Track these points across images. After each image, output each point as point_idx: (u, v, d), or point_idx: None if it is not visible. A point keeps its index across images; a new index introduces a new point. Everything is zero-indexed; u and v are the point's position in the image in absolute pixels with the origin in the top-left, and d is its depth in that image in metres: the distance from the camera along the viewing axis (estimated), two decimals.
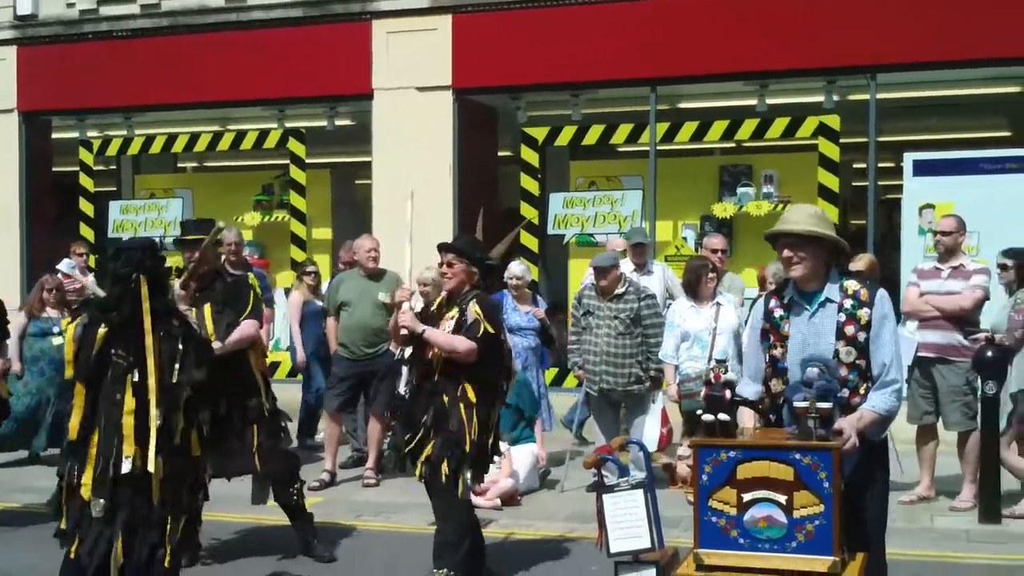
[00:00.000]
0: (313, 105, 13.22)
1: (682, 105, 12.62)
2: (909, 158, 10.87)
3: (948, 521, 7.88)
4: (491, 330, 6.17)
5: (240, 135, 13.75)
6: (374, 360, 9.26)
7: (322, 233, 13.62)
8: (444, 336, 6.15)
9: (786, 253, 4.80)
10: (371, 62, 12.35)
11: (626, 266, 9.44)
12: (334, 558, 7.15)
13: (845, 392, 4.71)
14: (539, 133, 12.33)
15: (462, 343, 6.10)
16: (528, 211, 12.25)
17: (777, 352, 4.84)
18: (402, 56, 12.19)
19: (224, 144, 13.80)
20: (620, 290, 8.70)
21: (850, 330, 4.73)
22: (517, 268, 9.78)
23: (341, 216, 13.75)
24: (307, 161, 13.31)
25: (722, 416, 4.52)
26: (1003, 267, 7.88)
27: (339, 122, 13.38)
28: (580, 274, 10.58)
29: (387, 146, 12.34)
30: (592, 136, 12.11)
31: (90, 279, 10.95)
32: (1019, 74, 11.41)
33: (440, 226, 11.97)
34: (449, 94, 12.13)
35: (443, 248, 6.48)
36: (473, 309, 6.19)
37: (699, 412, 4.62)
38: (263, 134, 13.53)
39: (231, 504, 7.79)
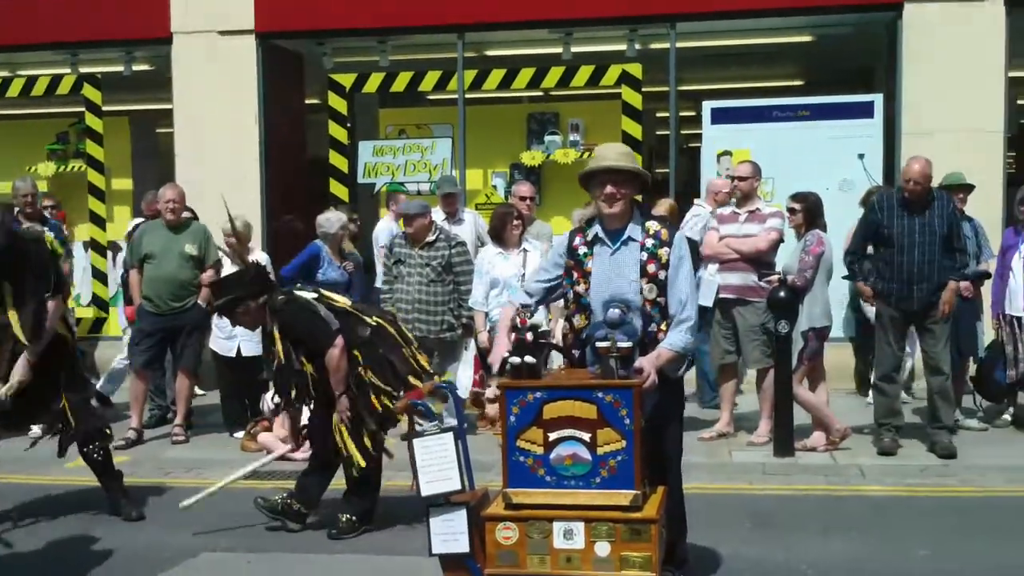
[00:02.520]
0: (108, 49, 12.63)
1: (489, 52, 12.65)
2: (707, 106, 11.21)
3: (745, 455, 8.24)
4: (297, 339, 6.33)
5: (31, 80, 13.00)
6: (181, 314, 9.00)
7: (122, 183, 13.09)
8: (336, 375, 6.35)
9: (610, 189, 4.92)
10: (169, 4, 11.90)
11: (438, 215, 9.45)
12: (142, 516, 6.97)
13: (653, 328, 4.87)
14: (346, 80, 12.15)
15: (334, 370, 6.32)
16: (337, 160, 12.10)
17: (580, 288, 4.97)
18: None
19: (13, 90, 13.03)
20: (431, 238, 8.71)
21: (652, 268, 4.89)
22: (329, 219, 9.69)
23: (141, 166, 13.24)
24: (104, 108, 12.74)
25: (528, 358, 4.60)
26: (792, 211, 8.21)
27: (136, 67, 12.84)
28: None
29: (188, 93, 11.95)
30: (400, 83, 12.01)
31: None
32: (811, 23, 11.88)
33: (246, 176, 11.74)
34: (252, 38, 11.82)
35: (222, 313, 6.65)
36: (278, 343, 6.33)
37: (505, 354, 4.70)
38: (55, 79, 12.84)
39: (29, 465, 7.50)
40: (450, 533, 4.71)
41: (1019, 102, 12.51)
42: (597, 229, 5.03)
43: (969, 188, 9.09)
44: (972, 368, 9.34)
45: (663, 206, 9.19)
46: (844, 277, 8.68)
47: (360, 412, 6.36)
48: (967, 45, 10.61)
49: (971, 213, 8.98)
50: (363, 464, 6.38)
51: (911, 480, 7.62)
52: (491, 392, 8.57)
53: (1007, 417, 9.05)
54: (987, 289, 9.04)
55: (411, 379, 6.42)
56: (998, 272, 8.80)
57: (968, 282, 8.41)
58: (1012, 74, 10.93)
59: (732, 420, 8.79)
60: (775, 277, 8.17)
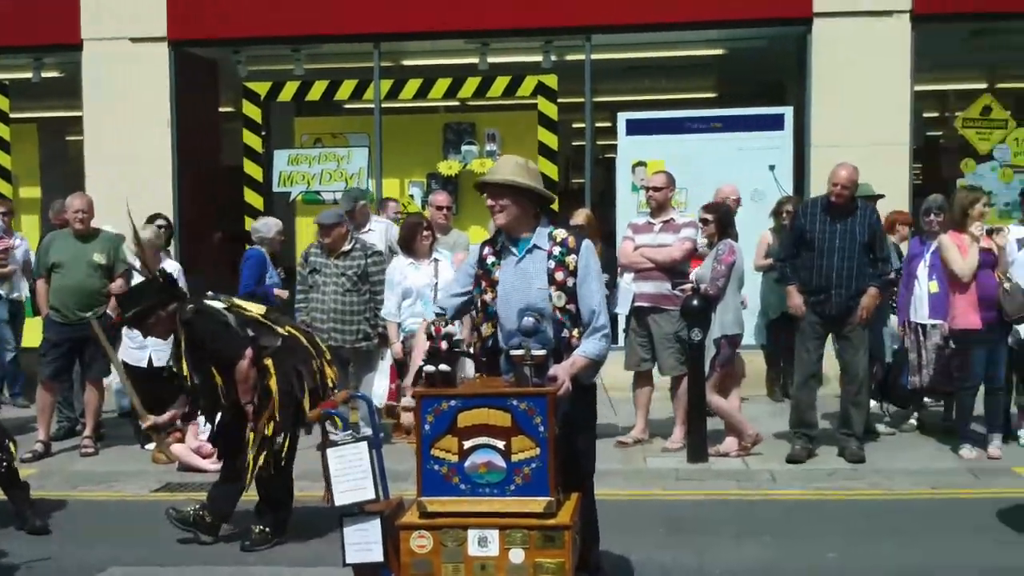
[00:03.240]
0: (17, 55, 12.37)
1: (406, 62, 12.65)
2: (622, 118, 11.33)
3: (660, 461, 8.33)
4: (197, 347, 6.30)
5: None
6: (89, 324, 8.83)
7: (30, 192, 12.83)
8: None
9: (489, 202, 5.00)
10: (79, 11, 11.69)
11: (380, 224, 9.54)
12: (48, 530, 6.82)
13: (564, 334, 4.90)
14: (261, 88, 12.07)
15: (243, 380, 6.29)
16: (251, 168, 11.98)
17: (487, 297, 4.99)
18: (113, 5, 11.61)
19: None
20: (347, 247, 8.67)
21: (560, 276, 4.93)
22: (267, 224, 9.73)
23: (50, 174, 12.99)
24: (11, 115, 12.47)
25: (443, 367, 4.61)
26: (705, 221, 8.33)
27: (46, 74, 12.59)
28: (307, 232, 10.46)
29: (99, 100, 11.75)
30: (316, 92, 11.96)
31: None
32: (724, 37, 12.08)
33: (158, 184, 11.57)
34: (165, 46, 11.66)
35: (131, 324, 6.68)
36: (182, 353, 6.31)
37: (421, 364, 4.70)
38: None
39: None
40: (364, 543, 4.69)
41: (925, 115, 12.84)
42: (503, 239, 5.07)
43: (877, 198, 9.29)
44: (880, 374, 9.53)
45: (580, 215, 9.25)
46: (776, 281, 8.83)
47: (268, 423, 6.29)
48: (874, 59, 10.88)
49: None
50: (252, 479, 6.32)
51: (820, 484, 7.75)
52: (406, 401, 8.54)
53: (913, 422, 9.28)
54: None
55: (318, 392, 6.38)
56: (904, 281, 9.01)
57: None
58: (918, 88, 11.24)
59: (647, 427, 8.87)
60: (688, 286, 8.28)
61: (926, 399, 9.34)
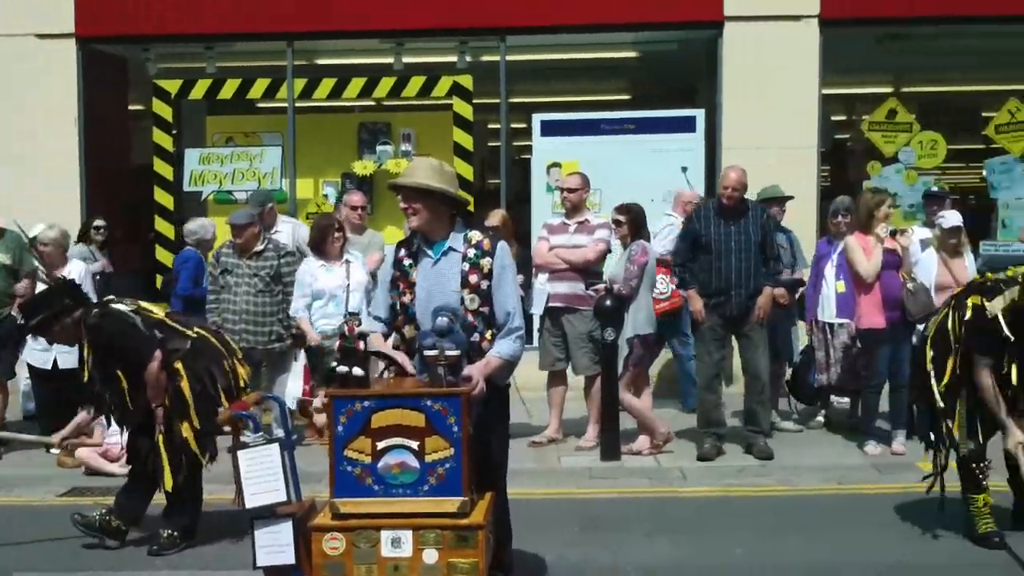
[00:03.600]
0: None
1: (320, 61, 12.55)
2: (537, 119, 11.38)
3: (573, 460, 8.38)
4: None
5: None
6: None
7: None
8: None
9: (402, 205, 5.00)
10: None
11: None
12: None
13: (476, 338, 4.92)
14: (172, 86, 11.88)
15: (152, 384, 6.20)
16: (161, 167, 11.80)
17: (407, 299, 5.00)
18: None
19: None
20: (259, 247, 8.59)
21: (474, 278, 4.95)
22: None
23: None
24: None
25: (356, 368, 4.59)
26: (617, 222, 8.40)
27: None
28: (218, 233, 10.30)
29: (4, 98, 11.41)
30: (228, 90, 11.81)
31: None
32: (638, 40, 12.20)
33: (66, 183, 11.33)
34: (72, 42, 11.41)
35: (36, 332, 6.62)
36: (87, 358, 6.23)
37: (333, 364, 4.68)
38: None
39: None
40: (275, 545, 4.66)
41: (833, 118, 13.11)
42: (419, 241, 5.07)
43: (786, 200, 9.46)
44: (788, 372, 9.71)
45: (496, 217, 9.27)
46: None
47: (181, 425, 6.21)
48: (784, 63, 11.08)
49: (787, 224, 9.35)
50: (170, 483, 6.24)
51: (730, 481, 7.89)
52: (319, 401, 8.50)
53: (820, 419, 9.47)
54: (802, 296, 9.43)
55: (231, 392, 6.32)
56: (812, 280, 9.19)
57: (784, 289, 8.74)
58: (826, 91, 11.47)
59: (561, 426, 8.93)
60: (602, 286, 8.35)
61: (833, 397, 9.52)
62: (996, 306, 5.98)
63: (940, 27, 11.60)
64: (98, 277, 10.02)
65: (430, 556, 4.47)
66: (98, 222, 10.65)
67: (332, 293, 8.47)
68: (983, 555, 6.08)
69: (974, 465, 6.25)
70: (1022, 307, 5.91)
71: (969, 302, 6.16)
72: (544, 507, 7.17)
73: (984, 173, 11.87)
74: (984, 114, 12.14)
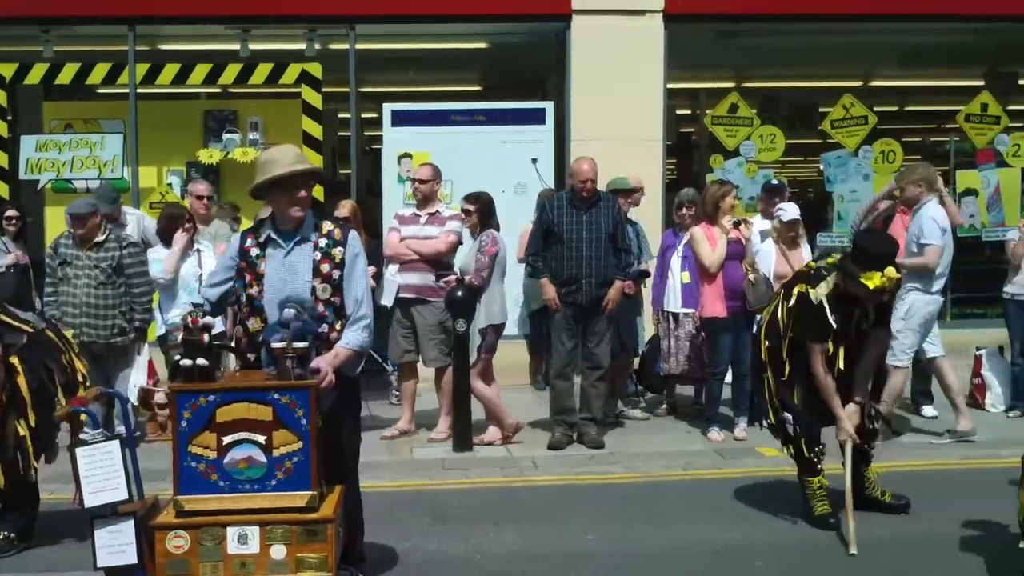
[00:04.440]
0: None
1: (163, 46, 12.20)
2: (388, 108, 11.32)
3: (426, 452, 8.39)
4: None
5: None
6: None
7: None
8: None
9: (303, 194, 4.89)
10: None
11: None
12: None
13: (324, 328, 4.87)
14: (6, 70, 11.37)
15: None
16: None
17: (254, 291, 4.90)
18: None
19: None
20: (100, 238, 8.32)
21: (325, 268, 4.90)
22: None
23: None
24: None
25: (200, 360, 4.50)
26: (467, 212, 8.43)
27: None
28: (56, 222, 9.94)
29: None
30: (66, 75, 11.37)
31: None
32: (488, 31, 12.24)
33: None
34: None
35: None
36: None
37: (176, 357, 4.57)
38: None
39: None
40: (116, 545, 4.54)
41: (678, 112, 13.39)
42: (269, 231, 4.98)
43: (632, 192, 9.62)
44: (635, 362, 9.91)
45: (345, 207, 9.20)
46: (529, 275, 8.99)
47: (13, 424, 5.97)
48: (629, 57, 11.28)
49: (633, 216, 9.52)
50: (2, 481, 6.00)
51: (581, 469, 8.00)
52: (161, 396, 8.30)
53: (666, 407, 9.69)
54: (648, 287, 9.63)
55: (70, 387, 6.11)
56: (658, 271, 9.39)
57: (630, 280, 8.91)
58: (671, 85, 11.72)
59: (413, 418, 8.92)
60: (453, 277, 8.37)
61: (679, 385, 9.76)
62: (820, 292, 6.23)
63: (779, 24, 11.99)
64: (11, 270, 9.56)
65: (278, 552, 4.42)
66: (10, 212, 10.08)
67: (185, 281, 8.31)
68: (819, 535, 6.33)
69: (810, 452, 6.51)
70: (845, 293, 6.17)
71: (795, 290, 6.40)
72: (397, 499, 7.16)
73: (821, 167, 12.33)
74: (821, 109, 12.59)
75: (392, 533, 6.24)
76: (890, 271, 6.04)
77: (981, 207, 12.08)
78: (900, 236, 8.28)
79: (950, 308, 12.12)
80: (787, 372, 6.43)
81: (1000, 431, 8.69)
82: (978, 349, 9.86)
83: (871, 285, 6.01)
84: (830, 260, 6.49)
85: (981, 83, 12.72)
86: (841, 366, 6.33)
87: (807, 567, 5.87)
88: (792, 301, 6.38)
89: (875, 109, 12.17)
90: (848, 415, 6.34)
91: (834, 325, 6.18)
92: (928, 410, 9.32)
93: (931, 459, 8.11)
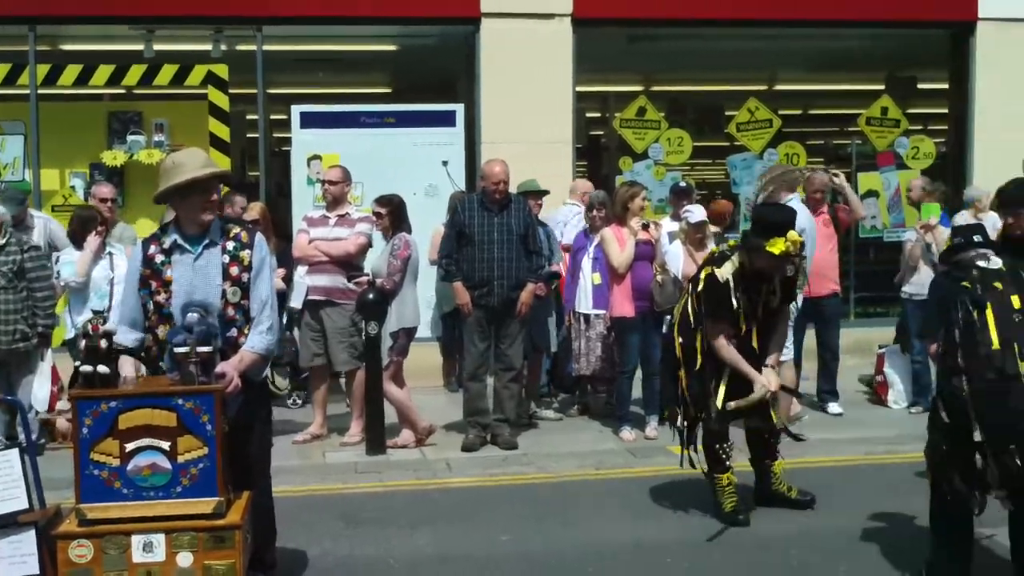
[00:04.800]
0: None
1: (65, 47, 11.94)
2: (296, 110, 11.21)
3: (338, 456, 8.33)
4: None
5: None
6: None
7: None
8: None
9: (212, 198, 4.84)
10: None
11: None
12: None
13: (234, 332, 4.80)
14: None
15: None
16: None
17: (161, 298, 4.81)
18: None
19: None
20: (0, 241, 8.11)
21: (234, 271, 4.84)
22: None
23: None
24: None
25: (101, 367, 4.41)
26: (378, 214, 8.39)
27: None
28: None
29: None
30: None
31: None
32: (397, 33, 12.20)
33: None
34: None
35: None
36: None
37: (77, 363, 4.48)
38: None
39: None
40: (18, 555, 4.44)
41: (588, 115, 13.48)
42: (175, 236, 4.89)
43: (542, 194, 9.68)
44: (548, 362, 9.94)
45: (255, 210, 9.13)
46: (442, 279, 8.97)
47: None
48: (539, 60, 11.34)
49: (542, 218, 9.56)
50: None
51: (494, 470, 8.01)
52: (62, 404, 8.14)
53: (578, 407, 9.75)
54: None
55: None
56: (570, 272, 9.44)
57: (541, 282, 8.94)
58: (580, 88, 11.80)
59: (325, 422, 8.85)
60: (364, 279, 8.32)
61: (591, 385, 9.83)
62: (726, 271, 6.37)
63: (686, 28, 12.16)
64: None
65: (184, 559, 4.35)
66: None
67: (96, 284, 8.16)
68: (729, 530, 6.43)
69: (718, 447, 6.62)
70: (751, 271, 6.30)
71: (702, 274, 6.51)
72: (309, 504, 7.10)
73: (727, 169, 12.52)
74: (727, 113, 12.77)
75: (304, 538, 6.19)
76: (792, 235, 6.19)
77: (882, 209, 12.39)
78: None
79: (853, 308, 12.43)
80: (699, 365, 6.51)
81: (902, 427, 8.90)
82: (880, 347, 10.10)
83: (776, 251, 6.14)
84: (731, 243, 6.63)
85: (881, 87, 13.03)
86: (755, 345, 6.44)
87: (717, 562, 5.96)
88: (700, 285, 6.47)
89: (779, 113, 12.40)
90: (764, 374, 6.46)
91: (735, 304, 6.28)
92: (833, 407, 9.52)
93: (835, 456, 8.27)
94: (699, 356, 6.52)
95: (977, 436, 4.92)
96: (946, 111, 13.13)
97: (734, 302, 6.30)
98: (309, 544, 6.15)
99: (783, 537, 6.27)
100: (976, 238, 5.33)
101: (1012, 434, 4.87)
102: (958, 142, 12.69)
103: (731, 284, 6.31)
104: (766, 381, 6.44)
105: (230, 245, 4.88)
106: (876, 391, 9.93)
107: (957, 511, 5.18)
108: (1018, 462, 4.84)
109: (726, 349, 6.40)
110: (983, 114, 12.35)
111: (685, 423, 6.76)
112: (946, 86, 13.05)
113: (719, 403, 6.46)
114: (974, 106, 12.40)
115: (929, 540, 5.44)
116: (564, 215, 10.11)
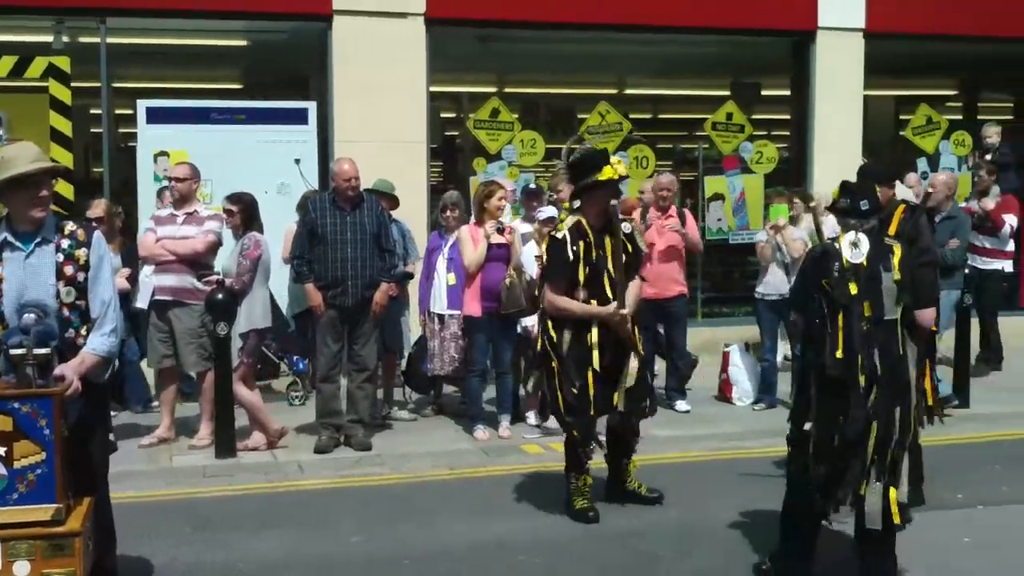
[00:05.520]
0: None
1: None
2: (142, 105, 10.90)
3: (187, 459, 8.14)
4: None
5: None
6: None
7: None
8: None
9: (44, 193, 4.64)
10: None
11: None
12: None
13: (71, 333, 4.64)
14: None
15: None
16: None
17: None
18: None
19: None
20: None
21: (69, 270, 4.66)
22: None
23: None
24: None
25: None
26: (229, 212, 8.23)
27: None
28: None
29: None
30: None
31: None
32: (248, 28, 11.99)
33: None
34: None
35: None
36: None
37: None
38: None
39: None
40: None
41: (443, 115, 13.50)
42: (6, 233, 4.69)
43: (394, 200, 9.55)
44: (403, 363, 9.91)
45: (98, 207, 8.87)
46: (295, 280, 8.85)
47: None
48: (392, 59, 11.30)
49: (398, 217, 9.53)
50: None
51: (347, 472, 7.95)
52: None
53: (433, 407, 9.75)
54: (414, 288, 9.65)
55: None
56: (424, 273, 9.43)
57: (395, 282, 8.90)
58: (434, 88, 11.80)
59: (173, 424, 8.64)
60: (214, 278, 8.15)
61: (446, 384, 9.84)
62: (563, 228, 6.55)
63: (540, 31, 12.28)
64: None
65: (21, 568, 4.18)
66: None
67: None
68: (578, 528, 6.52)
69: (581, 451, 6.67)
70: (592, 219, 6.47)
71: (544, 242, 6.63)
72: (157, 509, 6.93)
73: None
74: (579, 116, 12.96)
75: (150, 545, 6.04)
76: (616, 160, 6.42)
77: (727, 212, 12.72)
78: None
79: (700, 307, 12.75)
80: (561, 363, 6.55)
81: (746, 423, 9.18)
82: (726, 346, 10.37)
83: (605, 178, 6.35)
84: (566, 206, 6.80)
85: (727, 93, 13.41)
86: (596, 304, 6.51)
87: (568, 559, 6.03)
88: (544, 250, 6.64)
89: (629, 116, 12.63)
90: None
91: (570, 255, 6.39)
92: (681, 404, 9.73)
93: (682, 452, 8.47)
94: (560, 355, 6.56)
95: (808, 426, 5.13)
96: (788, 117, 13.60)
97: (570, 254, 6.42)
98: (155, 551, 5.99)
99: (633, 532, 6.39)
100: (863, 204, 5.44)
101: (832, 443, 5.08)
102: (799, 147, 13.16)
103: (567, 238, 6.45)
104: (612, 309, 6.49)
105: (65, 243, 4.70)
106: (721, 388, 10.19)
107: (806, 507, 5.34)
108: (821, 471, 5.08)
109: (563, 300, 6.48)
110: (822, 120, 12.83)
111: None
112: (788, 92, 13.51)
113: (596, 363, 6.47)
114: (814, 112, 12.86)
115: (778, 530, 5.59)
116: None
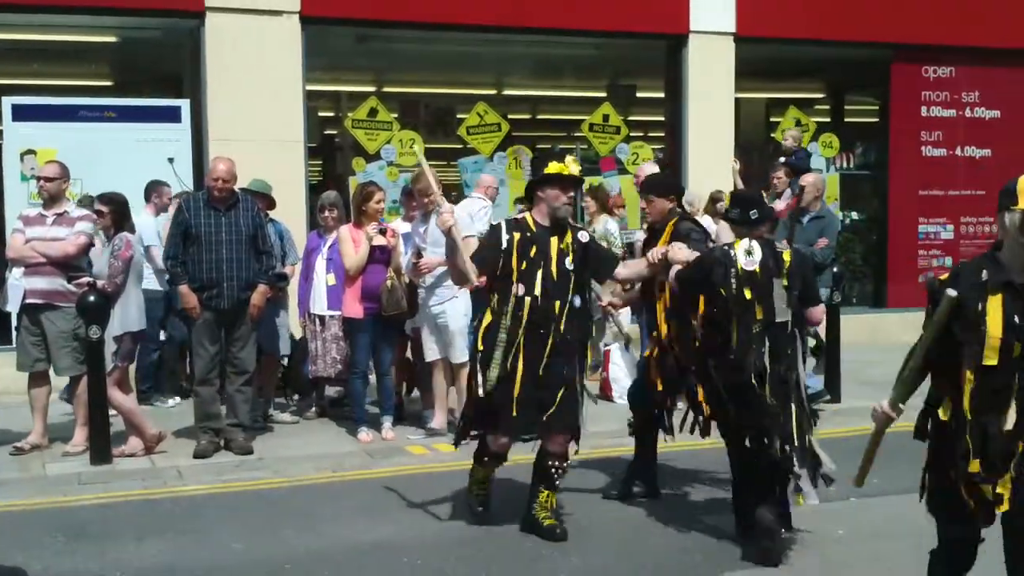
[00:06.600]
0: None
1: None
2: (8, 102, 10.56)
3: (60, 466, 7.91)
4: None
5: None
6: None
7: None
8: None
9: None
10: None
11: None
12: None
13: None
14: None
15: None
16: None
17: None
18: None
19: None
20: None
21: None
22: None
23: None
24: None
25: None
26: (100, 213, 8.02)
27: None
28: None
29: None
30: None
31: None
32: (118, 24, 11.70)
33: None
34: None
35: None
36: None
37: None
38: None
39: None
40: None
41: (321, 114, 13.40)
42: None
43: (271, 199, 9.41)
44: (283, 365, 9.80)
45: None
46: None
47: None
48: (267, 57, 11.18)
49: (276, 217, 9.41)
50: None
51: (227, 476, 7.83)
52: None
53: (315, 409, 9.66)
54: (293, 289, 9.54)
55: None
56: (303, 273, 9.33)
57: (273, 284, 8.78)
58: (311, 87, 11.70)
59: (46, 431, 8.39)
60: (84, 280, 7.93)
61: (330, 387, 9.75)
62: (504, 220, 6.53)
63: (417, 31, 12.27)
64: None
65: None
66: None
67: None
68: (464, 530, 6.52)
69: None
70: (549, 215, 6.27)
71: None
72: (28, 518, 6.75)
73: (459, 171, 12.72)
74: (458, 116, 12.99)
75: (22, 555, 5.88)
76: (571, 159, 6.37)
77: None
78: None
79: None
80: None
81: (624, 421, 9.30)
82: (605, 345, 10.51)
83: (555, 171, 6.23)
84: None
85: (604, 95, 13.61)
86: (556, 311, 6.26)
87: (454, 559, 6.04)
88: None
89: (508, 117, 12.73)
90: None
91: (504, 243, 6.19)
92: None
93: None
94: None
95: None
96: (663, 119, 13.86)
97: (503, 242, 6.22)
98: (28, 561, 5.82)
99: (519, 532, 6.42)
100: (752, 214, 5.54)
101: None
102: (674, 148, 13.42)
103: (503, 226, 6.34)
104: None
105: None
106: (602, 387, 10.32)
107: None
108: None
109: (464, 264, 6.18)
110: (695, 121, 13.10)
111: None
112: (662, 95, 13.77)
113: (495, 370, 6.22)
114: (687, 114, 13.13)
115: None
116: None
